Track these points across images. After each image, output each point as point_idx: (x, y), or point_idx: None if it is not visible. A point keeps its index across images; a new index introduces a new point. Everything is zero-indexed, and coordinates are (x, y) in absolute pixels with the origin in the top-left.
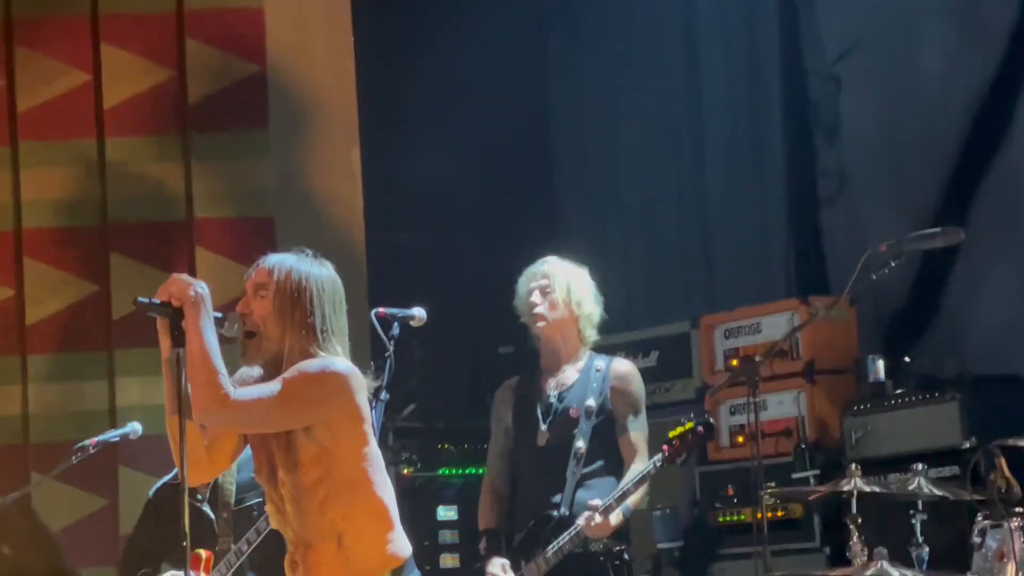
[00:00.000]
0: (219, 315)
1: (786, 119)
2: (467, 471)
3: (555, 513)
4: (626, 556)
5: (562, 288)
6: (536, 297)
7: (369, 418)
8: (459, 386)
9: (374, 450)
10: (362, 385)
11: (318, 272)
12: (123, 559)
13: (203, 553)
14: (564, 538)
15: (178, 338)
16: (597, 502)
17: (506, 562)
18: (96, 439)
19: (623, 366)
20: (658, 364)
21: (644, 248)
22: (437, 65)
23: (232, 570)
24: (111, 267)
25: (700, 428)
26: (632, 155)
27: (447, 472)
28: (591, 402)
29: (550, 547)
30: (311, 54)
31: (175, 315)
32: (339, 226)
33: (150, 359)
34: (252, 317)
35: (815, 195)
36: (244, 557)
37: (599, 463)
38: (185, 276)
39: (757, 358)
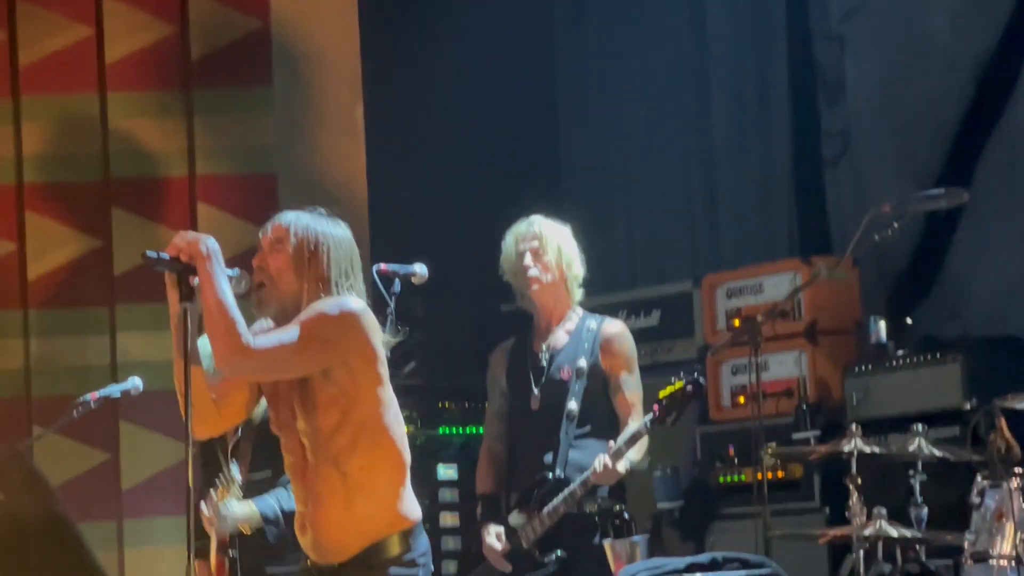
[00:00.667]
0: (229, 271)
1: (791, 79)
2: (468, 430)
3: (549, 475)
4: (626, 515)
5: (553, 250)
6: (528, 259)
7: (384, 359)
8: (461, 344)
9: (390, 394)
10: (376, 326)
11: (335, 231)
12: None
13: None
14: (559, 499)
15: (186, 293)
16: (611, 443)
17: (501, 529)
18: (97, 394)
19: (614, 326)
20: (660, 323)
21: (647, 207)
22: (442, 24)
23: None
24: (113, 222)
25: (690, 387)
26: (636, 114)
27: (448, 431)
28: (582, 363)
29: (544, 509)
30: (315, 10)
31: (184, 270)
32: (342, 183)
33: (152, 314)
34: (267, 270)
35: (819, 155)
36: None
37: (592, 424)
38: (194, 232)
39: (759, 318)
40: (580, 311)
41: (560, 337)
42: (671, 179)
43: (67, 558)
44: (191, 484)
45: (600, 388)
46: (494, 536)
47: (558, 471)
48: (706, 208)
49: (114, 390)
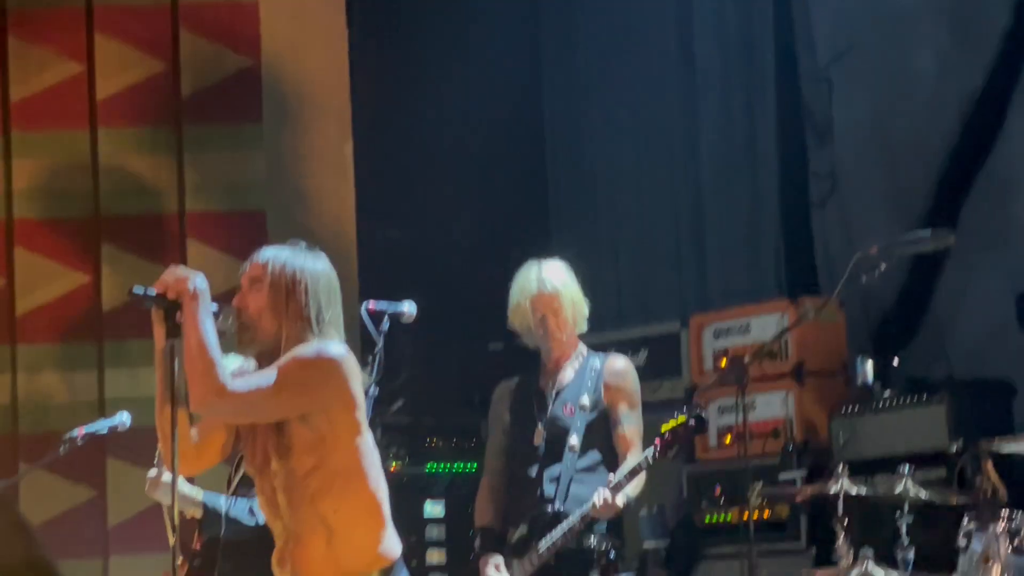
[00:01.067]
0: (215, 308)
1: (779, 120)
2: (455, 467)
3: (549, 509)
4: (612, 556)
5: (569, 307)
6: (550, 324)
7: (364, 406)
8: (448, 382)
9: (369, 441)
10: (357, 371)
11: (312, 265)
12: None
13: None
14: (557, 533)
15: (172, 329)
16: (611, 477)
17: (500, 560)
18: (84, 429)
19: (619, 362)
20: (647, 363)
21: (635, 246)
22: (431, 63)
23: None
24: (102, 258)
25: (692, 421)
26: (625, 154)
27: (435, 468)
28: (585, 399)
29: (543, 542)
30: (305, 48)
31: (170, 307)
32: (330, 220)
33: (140, 351)
34: (247, 311)
35: (807, 196)
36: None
37: (593, 458)
38: (183, 269)
39: (746, 359)
40: (585, 350)
41: (566, 375)
42: (659, 218)
43: None
44: (175, 523)
45: (603, 424)
46: (492, 567)
47: (558, 504)
48: (694, 248)
49: (102, 426)
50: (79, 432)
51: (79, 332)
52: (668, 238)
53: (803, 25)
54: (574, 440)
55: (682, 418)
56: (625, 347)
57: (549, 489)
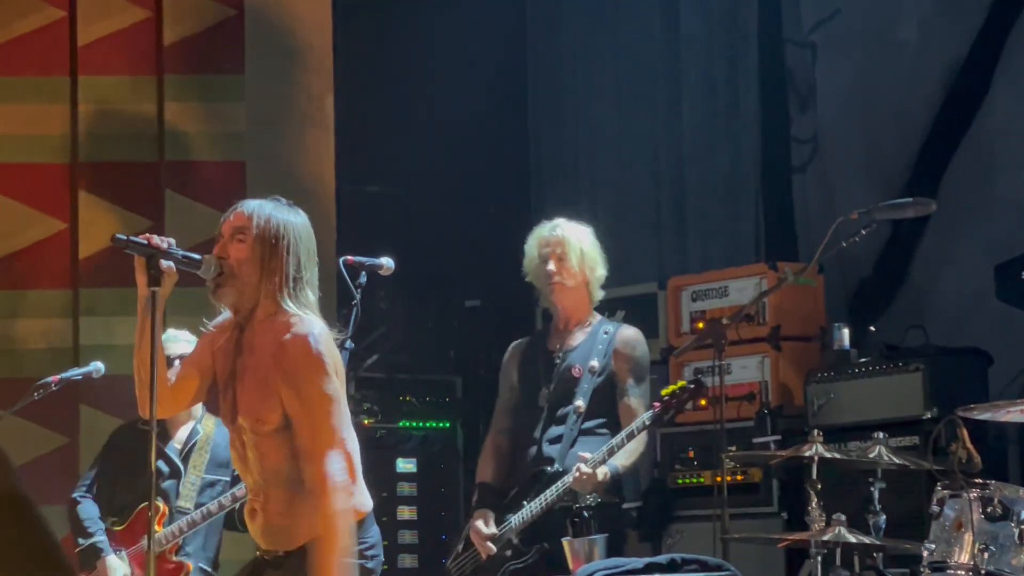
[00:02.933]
0: (197, 256)
1: (762, 85)
2: (428, 424)
3: (548, 468)
4: (585, 513)
5: (576, 254)
6: (553, 265)
7: (342, 371)
8: (424, 338)
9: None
10: (330, 337)
11: (295, 220)
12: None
13: (161, 506)
14: (551, 492)
15: (154, 277)
16: (586, 455)
17: (490, 514)
18: (58, 376)
19: (629, 332)
20: (624, 323)
21: (614, 208)
22: (416, 19)
23: (185, 534)
24: (79, 205)
25: (692, 386)
26: (606, 115)
27: (408, 424)
28: (594, 363)
29: (536, 500)
30: (289, 0)
31: (153, 254)
32: (310, 173)
33: (115, 298)
34: (228, 260)
35: (788, 162)
36: (200, 526)
37: (597, 421)
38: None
39: (724, 321)
40: (598, 316)
41: (576, 338)
42: (639, 181)
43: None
44: (153, 468)
45: (609, 389)
46: (482, 520)
47: (557, 465)
48: (673, 211)
49: (76, 373)
50: (53, 379)
51: (55, 279)
52: (648, 201)
53: None
54: (579, 402)
55: (682, 383)
56: (602, 307)
57: (549, 450)
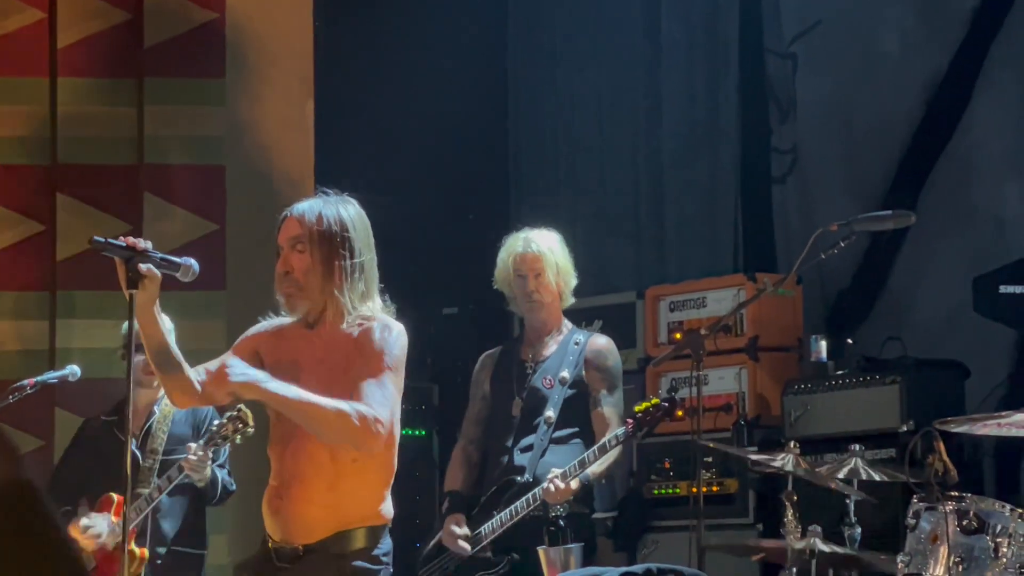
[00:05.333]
0: (177, 260)
1: (742, 95)
2: (404, 432)
3: (519, 478)
4: (561, 523)
5: (553, 270)
6: (531, 284)
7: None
8: None
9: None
10: (401, 337)
11: (346, 214)
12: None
13: (115, 496)
14: (520, 503)
15: (132, 280)
16: (556, 470)
17: (463, 517)
18: (34, 379)
19: (601, 341)
20: (601, 332)
21: (593, 216)
22: (396, 24)
23: (142, 516)
24: (57, 208)
25: (666, 403)
26: (586, 123)
27: None
28: (565, 373)
29: (506, 510)
30: (270, 5)
31: (131, 256)
32: (289, 179)
33: (92, 301)
34: (293, 274)
35: (767, 172)
36: (153, 503)
37: (569, 431)
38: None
39: (703, 331)
40: (570, 325)
41: (548, 347)
42: (618, 190)
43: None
44: (128, 471)
45: (581, 400)
46: (455, 524)
47: (527, 475)
48: (652, 220)
49: (52, 376)
50: (29, 382)
51: (32, 281)
52: (627, 210)
53: (770, 0)
54: (550, 412)
55: (656, 400)
56: (580, 316)
57: (520, 459)
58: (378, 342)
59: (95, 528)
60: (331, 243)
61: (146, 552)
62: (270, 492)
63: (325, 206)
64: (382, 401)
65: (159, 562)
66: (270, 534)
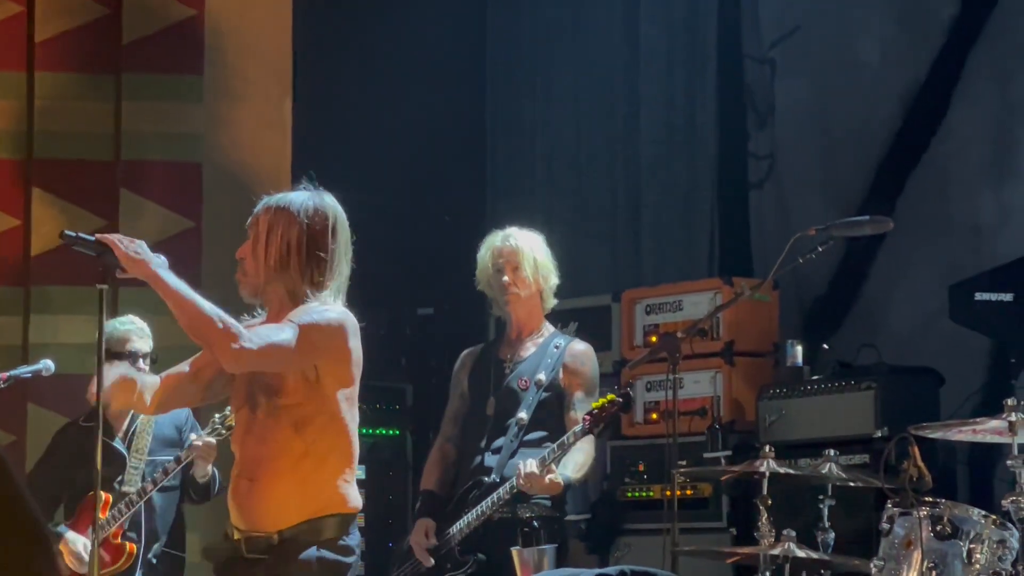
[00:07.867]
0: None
1: (720, 101)
2: (378, 432)
3: (486, 479)
4: (535, 524)
5: (530, 264)
6: (507, 276)
7: (360, 361)
8: (375, 346)
9: (354, 397)
10: (356, 329)
11: (306, 202)
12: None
13: (102, 494)
14: (487, 503)
15: (101, 275)
16: (531, 461)
17: (431, 524)
18: (7, 374)
19: (580, 346)
20: (577, 335)
21: (571, 220)
22: (375, 25)
23: (126, 516)
24: (33, 202)
25: (620, 399)
26: (564, 126)
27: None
28: (541, 376)
29: (474, 510)
30: (248, 2)
31: (101, 252)
32: (266, 177)
33: (66, 297)
34: (243, 261)
35: (744, 177)
36: (136, 506)
37: (541, 434)
38: (137, 246)
39: (679, 334)
40: (551, 328)
41: (527, 348)
42: (595, 193)
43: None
44: (99, 467)
45: (555, 403)
46: (422, 532)
47: (494, 475)
48: (629, 224)
49: (25, 371)
50: (1, 376)
51: (6, 276)
52: (604, 212)
53: (749, 5)
54: (523, 414)
55: (611, 396)
56: (555, 318)
57: (490, 460)
58: (300, 310)
59: (74, 546)
60: (271, 228)
61: (135, 547)
62: (235, 483)
63: (283, 195)
64: (264, 336)
65: (155, 562)
66: (236, 525)
